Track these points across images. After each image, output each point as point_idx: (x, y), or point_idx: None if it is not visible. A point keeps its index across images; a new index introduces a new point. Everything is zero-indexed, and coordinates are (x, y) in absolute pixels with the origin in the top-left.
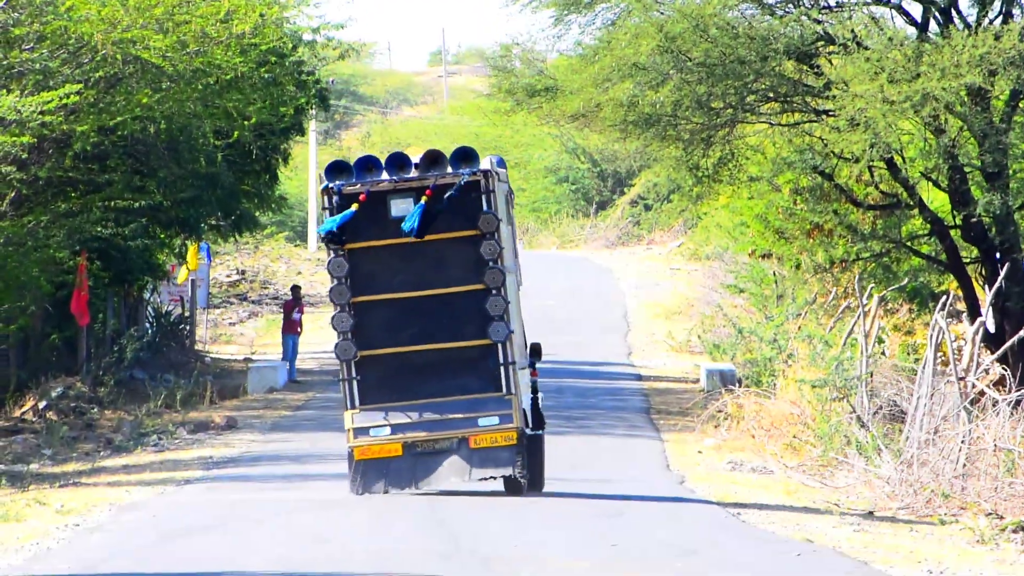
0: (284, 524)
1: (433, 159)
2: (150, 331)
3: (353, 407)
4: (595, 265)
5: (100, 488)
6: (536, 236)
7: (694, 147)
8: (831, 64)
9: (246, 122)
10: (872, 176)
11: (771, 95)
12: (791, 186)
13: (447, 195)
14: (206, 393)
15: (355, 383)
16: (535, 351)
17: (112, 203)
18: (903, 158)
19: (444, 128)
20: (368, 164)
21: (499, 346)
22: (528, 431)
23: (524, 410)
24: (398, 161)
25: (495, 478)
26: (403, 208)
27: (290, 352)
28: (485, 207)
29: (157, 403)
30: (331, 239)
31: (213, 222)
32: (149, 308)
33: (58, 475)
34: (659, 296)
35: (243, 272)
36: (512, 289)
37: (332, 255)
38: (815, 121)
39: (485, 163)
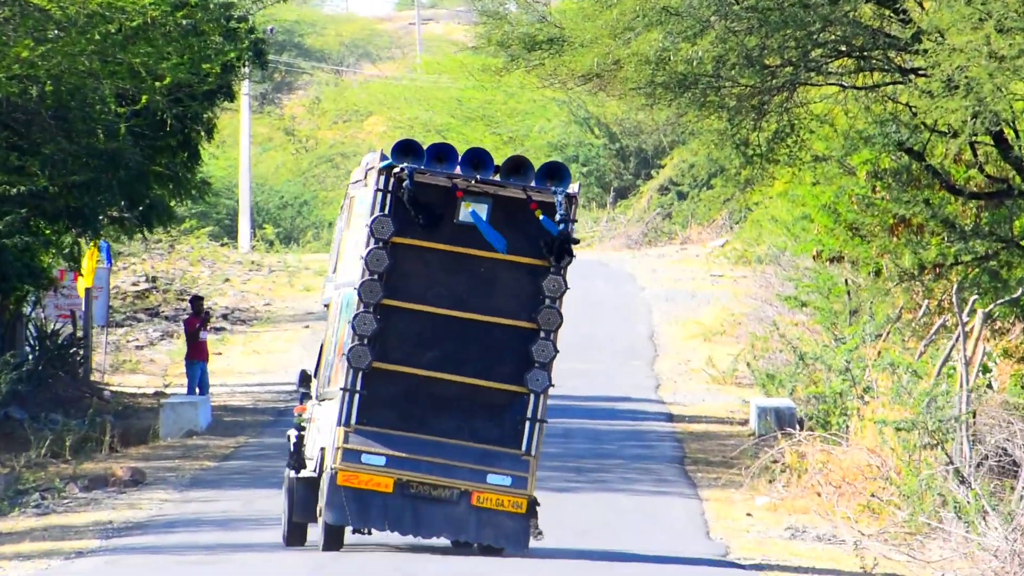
0: None
1: (517, 165)
2: (31, 357)
3: (348, 425)
4: (613, 270)
5: None
6: None
7: (742, 117)
8: (921, 8)
9: (158, 83)
10: (975, 155)
11: (843, 49)
12: (869, 168)
13: (559, 226)
14: (105, 438)
15: (357, 397)
16: None
17: None
18: (1016, 132)
19: (416, 92)
20: (441, 153)
21: (532, 397)
22: None
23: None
24: (475, 158)
25: (494, 549)
26: (471, 213)
27: (199, 384)
28: None
29: (40, 451)
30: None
31: (115, 214)
32: (30, 326)
33: None
34: (696, 311)
35: (154, 279)
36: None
37: (372, 244)
38: (900, 83)
39: (574, 186)
